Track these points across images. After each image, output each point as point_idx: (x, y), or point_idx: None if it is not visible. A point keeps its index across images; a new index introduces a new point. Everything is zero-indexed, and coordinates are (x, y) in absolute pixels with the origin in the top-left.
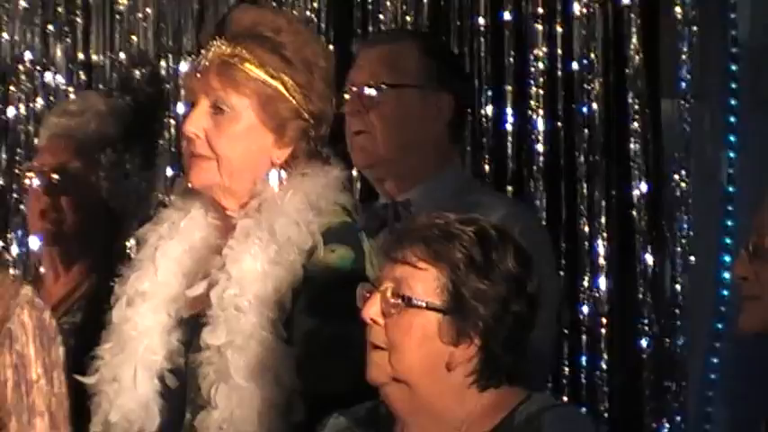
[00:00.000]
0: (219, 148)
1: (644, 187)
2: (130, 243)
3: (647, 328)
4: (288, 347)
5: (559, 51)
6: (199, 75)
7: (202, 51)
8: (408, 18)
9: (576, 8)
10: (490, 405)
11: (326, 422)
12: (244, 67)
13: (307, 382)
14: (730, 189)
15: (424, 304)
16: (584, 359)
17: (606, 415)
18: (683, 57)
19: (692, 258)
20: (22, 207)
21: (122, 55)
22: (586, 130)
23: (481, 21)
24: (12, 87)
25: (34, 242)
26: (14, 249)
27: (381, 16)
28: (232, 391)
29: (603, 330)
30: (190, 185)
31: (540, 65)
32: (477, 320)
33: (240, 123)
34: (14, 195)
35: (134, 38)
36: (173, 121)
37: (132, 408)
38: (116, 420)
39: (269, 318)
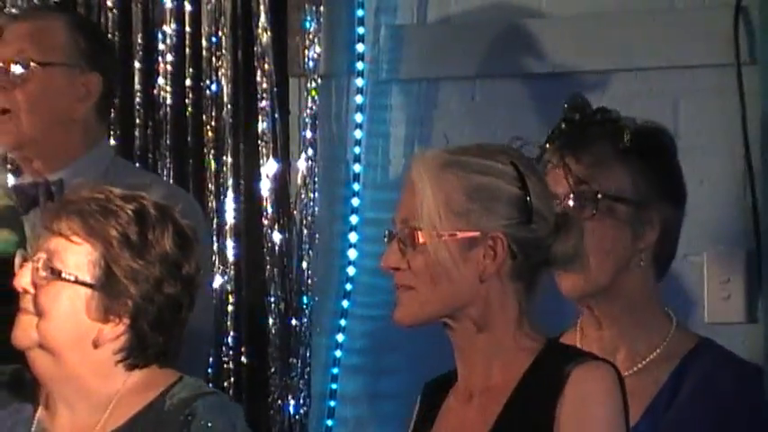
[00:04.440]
0: None
1: (272, 166)
2: None
3: (273, 305)
4: None
5: (188, 29)
6: None
7: None
8: None
9: None
10: (139, 385)
11: None
12: None
13: None
14: (356, 169)
15: (72, 278)
16: None
17: (232, 392)
18: (311, 36)
19: (318, 237)
20: None
21: None
22: (215, 108)
23: None
24: None
25: None
26: None
27: None
28: None
29: (231, 308)
30: None
31: (169, 41)
32: (127, 299)
33: None
34: None
35: None
36: None
37: None
38: None
39: None
